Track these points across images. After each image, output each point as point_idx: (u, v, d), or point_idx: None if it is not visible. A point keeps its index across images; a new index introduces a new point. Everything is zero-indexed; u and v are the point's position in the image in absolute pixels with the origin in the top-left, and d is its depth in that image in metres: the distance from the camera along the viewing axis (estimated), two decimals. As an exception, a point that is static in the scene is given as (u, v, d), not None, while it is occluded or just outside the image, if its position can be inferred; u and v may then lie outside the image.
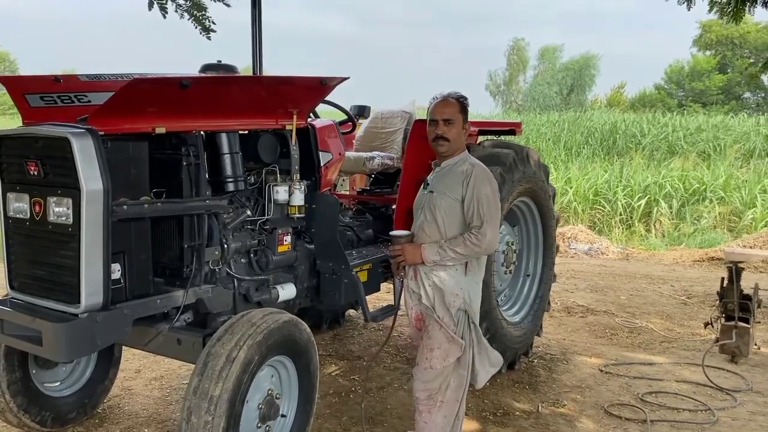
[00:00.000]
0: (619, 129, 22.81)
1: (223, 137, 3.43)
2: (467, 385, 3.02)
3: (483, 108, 40.37)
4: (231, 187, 3.45)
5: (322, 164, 3.96)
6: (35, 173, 2.83)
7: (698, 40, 37.56)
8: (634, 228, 13.85)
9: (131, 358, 4.69)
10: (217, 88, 3.24)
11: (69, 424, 3.72)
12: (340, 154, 4.17)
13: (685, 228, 14.14)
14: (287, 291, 3.77)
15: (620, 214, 14.19)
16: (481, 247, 2.88)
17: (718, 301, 5.36)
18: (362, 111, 5.21)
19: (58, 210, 2.78)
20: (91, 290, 2.74)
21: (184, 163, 3.16)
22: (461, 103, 3.06)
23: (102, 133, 2.75)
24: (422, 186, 3.17)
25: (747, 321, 5.05)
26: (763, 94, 37.22)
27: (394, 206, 4.92)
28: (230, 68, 3.52)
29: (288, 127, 3.75)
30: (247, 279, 3.57)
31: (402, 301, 3.41)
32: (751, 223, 13.87)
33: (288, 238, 3.79)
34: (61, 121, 2.95)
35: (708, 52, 37.01)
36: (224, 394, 2.63)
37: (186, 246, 3.19)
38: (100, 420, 3.84)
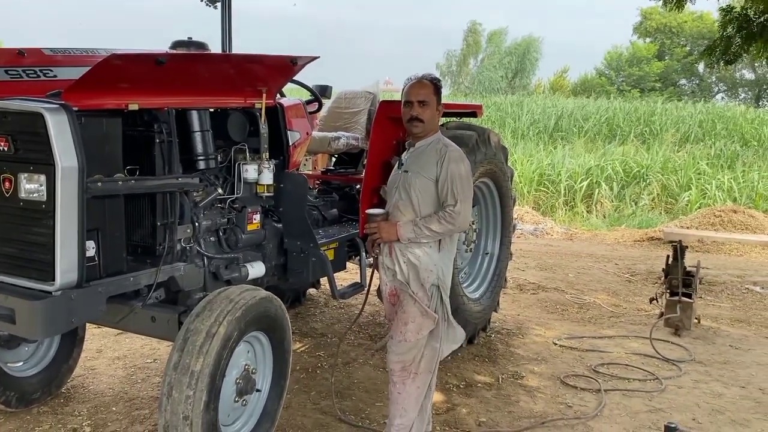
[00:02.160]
0: (564, 114, 23.36)
1: (194, 115, 3.42)
2: (439, 357, 3.14)
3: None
4: (202, 165, 3.45)
5: (290, 143, 3.98)
6: (5, 149, 2.76)
7: (638, 28, 38.70)
8: (576, 209, 14.31)
9: (91, 338, 4.63)
10: (191, 65, 3.22)
11: (34, 404, 3.68)
12: (307, 133, 4.20)
13: (624, 209, 14.72)
14: (256, 269, 3.79)
15: (564, 196, 14.63)
16: (455, 225, 2.98)
17: (663, 278, 5.66)
18: (324, 91, 5.21)
19: (30, 186, 2.73)
20: (66, 267, 2.70)
21: (157, 141, 3.14)
22: (435, 84, 3.14)
23: (76, 109, 2.72)
24: (396, 165, 3.25)
25: (690, 296, 5.35)
26: (697, 81, 38.69)
27: (358, 186, 5.01)
28: (201, 45, 3.50)
29: (257, 106, 3.75)
30: (217, 257, 3.58)
31: (374, 280, 3.49)
32: (687, 205, 14.54)
33: (257, 217, 3.81)
34: (28, 95, 2.89)
35: (648, 40, 38.17)
36: (205, 369, 2.67)
37: (158, 224, 3.18)
38: (66, 399, 3.81)
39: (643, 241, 11.15)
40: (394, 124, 4.55)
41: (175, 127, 3.21)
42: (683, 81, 38.55)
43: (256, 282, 3.88)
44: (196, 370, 2.66)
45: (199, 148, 3.43)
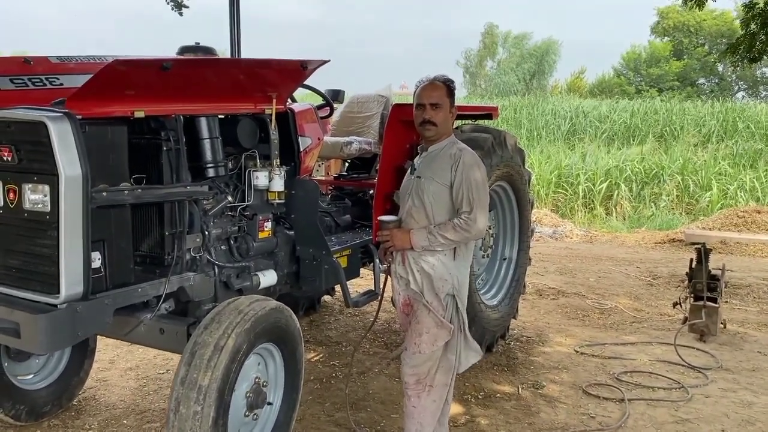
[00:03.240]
0: (580, 114, 23.11)
1: (203, 121, 3.35)
2: (456, 370, 3.03)
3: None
4: (211, 172, 3.38)
5: (301, 149, 3.90)
6: (8, 159, 2.71)
7: (655, 27, 38.26)
8: (595, 211, 14.13)
9: (104, 349, 4.58)
10: (198, 70, 3.15)
11: (44, 417, 3.63)
12: (319, 138, 4.12)
13: (644, 210, 14.50)
14: (268, 278, 3.72)
15: (582, 198, 14.44)
16: (470, 232, 2.88)
17: (686, 282, 5.50)
18: (336, 95, 5.15)
19: (34, 197, 2.67)
20: (71, 280, 2.64)
21: (164, 149, 3.08)
22: (448, 86, 3.03)
23: (80, 117, 2.66)
24: (409, 171, 3.15)
25: (715, 301, 5.19)
26: (717, 80, 38.14)
27: (371, 191, 4.92)
28: (209, 50, 3.43)
29: (267, 111, 3.68)
30: (227, 266, 3.51)
31: (388, 287, 3.39)
32: (708, 206, 14.30)
33: (268, 225, 3.74)
34: (34, 104, 2.83)
35: (665, 39, 37.70)
36: (213, 384, 2.58)
37: (167, 233, 3.12)
38: (77, 412, 3.75)
39: (664, 243, 10.95)
40: (407, 127, 4.45)
41: (182, 134, 3.14)
42: (702, 80, 38.01)
43: (268, 291, 3.82)
44: (204, 384, 2.58)
45: (208, 155, 3.36)
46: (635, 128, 21.78)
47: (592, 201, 14.38)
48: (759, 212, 11.48)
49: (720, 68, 38.23)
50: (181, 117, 3.18)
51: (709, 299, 5.18)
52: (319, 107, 4.37)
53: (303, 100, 4.71)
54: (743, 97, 35.69)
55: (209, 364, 2.62)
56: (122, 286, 2.94)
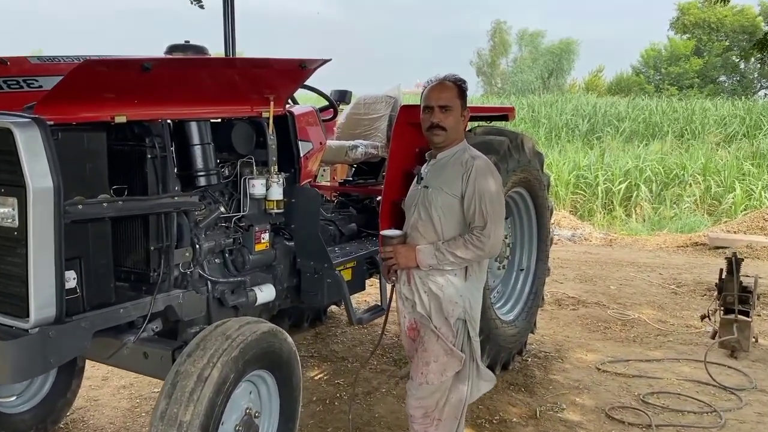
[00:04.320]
0: (599, 113, 22.68)
1: (193, 126, 3.10)
2: (467, 401, 2.74)
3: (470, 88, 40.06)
4: (202, 181, 3.13)
5: (301, 154, 3.64)
6: (-27, 169, 2.47)
7: (675, 23, 37.58)
8: (615, 213, 13.77)
9: (98, 364, 4.34)
10: (185, 71, 2.90)
11: (27, 442, 3.39)
12: (321, 143, 3.85)
13: (665, 212, 14.11)
14: (266, 293, 3.47)
15: (601, 199, 14.07)
16: (484, 250, 2.59)
17: (716, 293, 5.17)
18: (343, 96, 4.88)
19: (2, 211, 2.42)
20: (41, 302, 2.39)
21: (149, 156, 2.83)
22: (459, 86, 2.75)
23: (51, 123, 2.41)
24: (415, 180, 2.86)
25: (747, 314, 4.85)
26: (738, 78, 37.40)
27: (378, 198, 4.64)
28: (200, 49, 3.18)
29: (264, 115, 3.43)
30: (221, 281, 3.26)
31: (392, 306, 3.12)
32: (731, 207, 13.87)
33: (266, 236, 3.48)
34: (6, 109, 2.59)
35: (685, 36, 37.03)
36: (195, 420, 2.33)
37: (152, 248, 2.87)
38: (62, 436, 3.52)
39: (687, 246, 10.58)
40: (416, 130, 4.15)
41: (170, 140, 2.89)
42: (723, 78, 37.28)
43: (266, 306, 3.57)
44: (185, 420, 2.32)
45: (199, 162, 3.12)
46: (655, 127, 21.32)
47: (612, 202, 14.01)
48: (786, 215, 11.06)
49: (742, 66, 37.50)
50: (168, 122, 2.92)
51: (741, 312, 4.84)
52: (322, 109, 4.10)
53: (306, 102, 4.43)
54: (765, 95, 34.93)
55: (191, 397, 2.36)
56: (102, 306, 2.69)
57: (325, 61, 3.39)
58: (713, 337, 5.12)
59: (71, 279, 2.56)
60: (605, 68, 42.42)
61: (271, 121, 3.41)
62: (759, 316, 5.56)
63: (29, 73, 3.02)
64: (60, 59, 3.14)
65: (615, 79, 38.74)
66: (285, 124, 3.58)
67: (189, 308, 3.05)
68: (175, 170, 3.00)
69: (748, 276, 7.69)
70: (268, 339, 2.69)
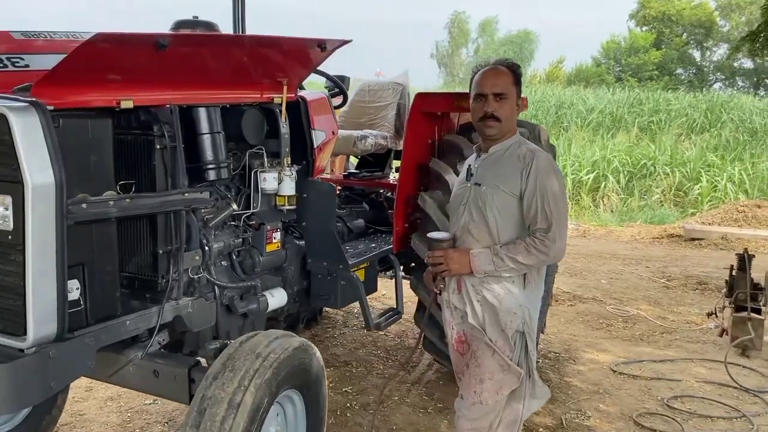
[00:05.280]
0: (566, 103, 22.75)
1: (202, 113, 2.76)
2: (522, 420, 2.49)
3: (429, 81, 40.06)
4: (212, 175, 2.79)
5: (315, 145, 3.32)
6: (-42, 162, 2.09)
7: (635, 15, 38.02)
8: (582, 203, 13.80)
9: (79, 374, 3.96)
10: (199, 50, 2.55)
11: (9, 467, 3.02)
12: (333, 132, 3.54)
13: (633, 203, 14.22)
14: (277, 298, 3.16)
15: (569, 190, 14.06)
16: (549, 255, 2.33)
17: (725, 290, 5.05)
18: (341, 82, 4.56)
19: (-7, 211, 2.06)
20: (41, 317, 2.05)
21: (157, 146, 2.48)
22: (515, 72, 2.46)
23: (52, 107, 2.05)
24: (465, 176, 2.56)
25: (759, 312, 4.74)
26: (694, 71, 38.09)
27: (389, 193, 4.36)
28: (210, 26, 2.82)
29: (276, 101, 3.10)
30: (230, 286, 2.94)
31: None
32: (698, 198, 14.05)
33: (277, 235, 3.18)
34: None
35: (644, 28, 37.49)
36: (229, 453, 2.01)
37: (160, 251, 2.53)
38: (48, 459, 3.14)
39: (662, 238, 10.60)
40: (431, 120, 3.92)
41: (179, 129, 2.54)
42: (680, 70, 37.91)
43: (275, 312, 3.26)
44: (218, 454, 2.01)
45: (209, 154, 2.77)
46: (620, 118, 21.47)
47: (579, 193, 14.03)
48: (759, 207, 11.18)
49: (697, 58, 38.25)
50: (177, 107, 2.58)
51: (753, 310, 4.73)
52: (331, 95, 3.78)
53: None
54: (720, 87, 35.67)
55: (223, 426, 2.04)
56: (107, 319, 2.36)
57: (345, 42, 3.08)
58: (721, 335, 5.01)
59: (74, 289, 2.21)
60: (565, 59, 42.55)
61: (283, 107, 3.09)
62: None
63: (14, 51, 2.62)
64: (48, 35, 2.75)
65: (575, 69, 38.98)
66: (297, 111, 3.26)
67: (198, 318, 2.74)
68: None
69: (729, 268, 7.74)
70: (299, 356, 2.39)
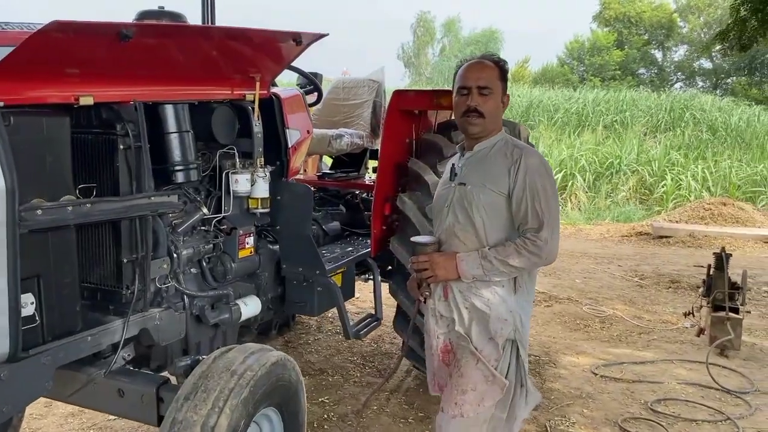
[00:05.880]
0: (533, 102, 22.89)
1: (169, 110, 2.57)
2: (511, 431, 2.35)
3: (396, 81, 40.00)
4: (180, 177, 2.61)
5: (290, 144, 3.16)
6: None
7: (597, 16, 38.49)
8: (550, 201, 13.85)
9: (37, 389, 3.72)
10: (166, 41, 2.36)
11: (-41, 496, 2.78)
12: (308, 131, 3.38)
13: (600, 201, 14.35)
14: (251, 307, 2.99)
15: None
16: (540, 256, 2.20)
17: (701, 289, 5.02)
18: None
19: (-64, 219, 1.85)
20: (-9, 336, 1.86)
21: (121, 147, 2.30)
22: (501, 67, 2.33)
23: (1, 104, 1.86)
24: (448, 175, 2.42)
25: (737, 311, 4.72)
26: (656, 70, 38.73)
27: (365, 194, 4.21)
28: (177, 16, 2.63)
29: (248, 98, 2.93)
30: (201, 295, 2.76)
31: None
32: (663, 196, 14.24)
33: (250, 240, 3.00)
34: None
35: (606, 29, 37.97)
36: (204, 482, 1.84)
37: (125, 260, 2.34)
38: (3, 484, 2.92)
39: (631, 236, 10.69)
40: (409, 118, 3.78)
41: (144, 127, 2.35)
42: (642, 70, 38.52)
43: (248, 322, 3.09)
44: (191, 484, 1.84)
45: (177, 154, 2.60)
46: (586, 117, 21.67)
47: (546, 191, 14.07)
48: (724, 204, 11.33)
49: (659, 58, 38.91)
50: (142, 104, 2.39)
51: (731, 309, 4.70)
52: (305, 92, 3.61)
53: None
54: (681, 87, 36.33)
55: (196, 453, 1.87)
56: (66, 335, 2.16)
57: (321, 36, 2.92)
58: (699, 335, 4.98)
59: (28, 304, 2.01)
60: (530, 59, 42.92)
61: (256, 104, 2.92)
62: (749, 312, 5.40)
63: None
64: (4, 26, 2.52)
65: (541, 70, 39.32)
66: (271, 109, 3.09)
67: (167, 330, 2.56)
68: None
69: (703, 266, 7.78)
70: (277, 372, 2.23)
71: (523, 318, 2.29)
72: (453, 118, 4.03)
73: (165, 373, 2.58)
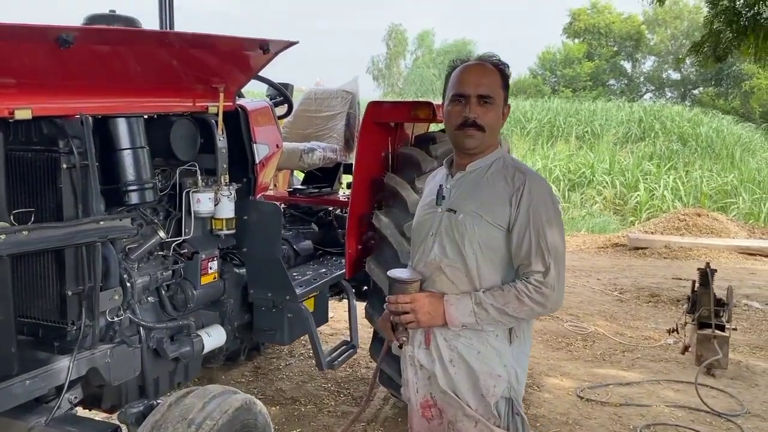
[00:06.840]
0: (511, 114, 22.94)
1: (121, 124, 2.34)
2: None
3: (369, 92, 39.94)
4: (134, 198, 2.37)
5: (257, 160, 2.93)
6: None
7: (568, 28, 38.87)
8: (523, 212, 13.83)
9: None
10: (115, 47, 2.13)
11: None
12: (277, 145, 3.15)
13: (574, 212, 14.33)
14: (214, 337, 2.76)
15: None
16: (546, 306, 1.89)
17: (686, 305, 4.89)
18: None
19: None
20: None
21: (64, 166, 2.06)
22: (503, 72, 1.99)
23: None
24: (435, 199, 2.06)
25: (723, 329, 4.58)
26: (626, 82, 39.21)
27: (339, 211, 3.99)
28: (130, 21, 2.39)
29: (212, 110, 2.71)
30: (159, 327, 2.51)
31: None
32: (636, 206, 14.29)
33: (214, 265, 2.77)
34: None
35: (576, 40, 38.36)
36: None
37: (70, 293, 2.09)
38: None
39: (607, 247, 10.64)
40: (384, 131, 3.57)
41: (92, 143, 2.11)
42: (612, 81, 38.97)
43: (212, 353, 2.85)
44: None
45: (130, 173, 2.36)
46: (558, 128, 21.76)
47: (519, 203, 14.05)
48: (699, 215, 11.35)
49: (629, 70, 39.41)
50: (89, 118, 2.14)
51: (717, 327, 4.56)
52: (275, 105, 3.38)
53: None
54: (650, 98, 36.82)
55: None
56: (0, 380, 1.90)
57: (291, 44, 2.71)
58: (683, 353, 4.84)
59: (-48, 348, 1.75)
60: (503, 70, 43.13)
61: (220, 117, 2.70)
62: (735, 329, 5.27)
63: None
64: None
65: (514, 81, 39.59)
66: (236, 122, 2.87)
67: (119, 368, 2.31)
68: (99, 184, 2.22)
69: (682, 279, 7.69)
70: (242, 418, 2.00)
71: (519, 373, 2.01)
72: (430, 130, 3.90)
73: (116, 418, 2.33)
